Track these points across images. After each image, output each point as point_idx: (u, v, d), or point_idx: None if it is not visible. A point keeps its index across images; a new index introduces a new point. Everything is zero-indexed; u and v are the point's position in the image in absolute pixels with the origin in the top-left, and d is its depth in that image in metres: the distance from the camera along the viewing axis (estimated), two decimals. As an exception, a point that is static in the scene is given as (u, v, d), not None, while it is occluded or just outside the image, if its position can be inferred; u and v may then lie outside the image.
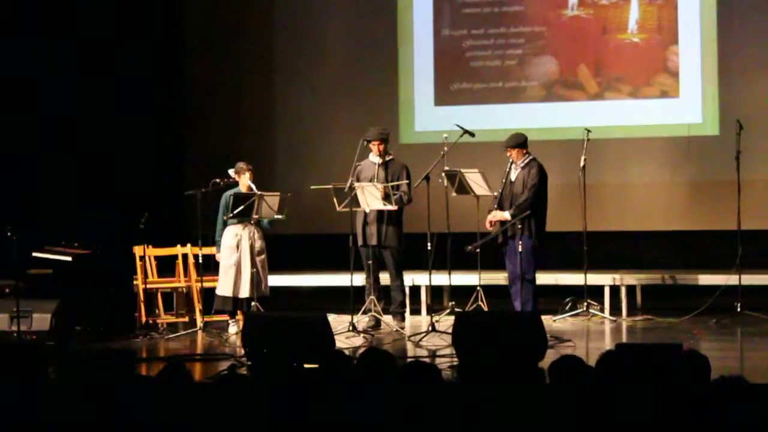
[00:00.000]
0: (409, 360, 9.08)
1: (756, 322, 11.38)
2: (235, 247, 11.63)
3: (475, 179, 11.71)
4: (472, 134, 11.75)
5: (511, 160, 11.40)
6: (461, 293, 12.21)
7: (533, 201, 11.18)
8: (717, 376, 5.16)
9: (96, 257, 11.63)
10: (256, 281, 11.56)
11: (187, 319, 12.43)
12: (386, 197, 11.25)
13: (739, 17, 13.53)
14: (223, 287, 11.65)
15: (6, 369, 6.04)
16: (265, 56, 15.05)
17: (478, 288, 11.71)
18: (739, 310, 11.59)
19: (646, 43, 13.83)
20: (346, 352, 9.50)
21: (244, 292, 11.56)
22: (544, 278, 12.04)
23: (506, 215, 11.24)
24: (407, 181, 11.60)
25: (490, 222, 11.40)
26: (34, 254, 11.54)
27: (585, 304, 11.98)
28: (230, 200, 11.44)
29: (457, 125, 11.73)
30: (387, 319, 11.63)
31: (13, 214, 11.60)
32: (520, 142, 11.40)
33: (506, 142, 11.45)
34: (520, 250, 10.99)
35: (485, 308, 11.55)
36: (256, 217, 11.48)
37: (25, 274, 11.38)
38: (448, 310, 12.00)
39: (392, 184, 11.42)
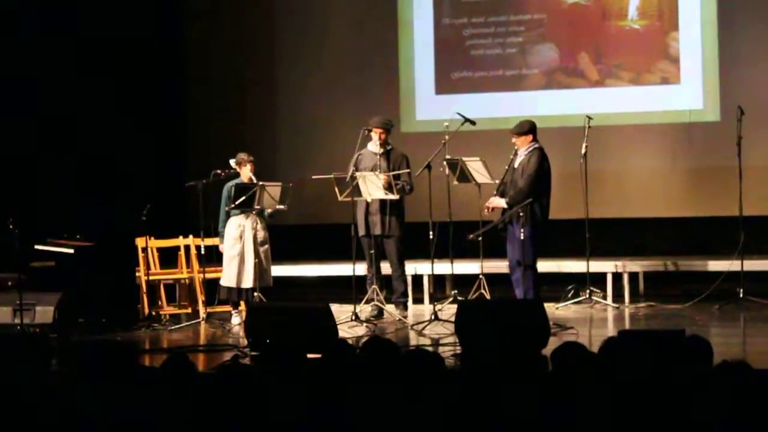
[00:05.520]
0: (411, 348, 9.08)
1: (758, 308, 11.38)
2: (239, 237, 11.64)
3: (476, 167, 11.71)
4: (473, 122, 11.75)
5: (516, 148, 11.34)
6: (463, 282, 12.22)
7: (530, 189, 11.05)
8: (720, 361, 5.16)
9: (98, 249, 11.63)
10: (259, 272, 11.57)
11: (189, 310, 12.43)
12: (388, 187, 11.25)
13: (739, 2, 13.51)
14: (227, 278, 11.66)
15: (9, 362, 6.05)
16: (266, 47, 15.05)
17: (481, 276, 11.72)
18: (741, 296, 11.58)
19: (646, 29, 13.82)
20: (349, 341, 9.50)
21: (248, 283, 11.57)
22: (546, 266, 12.03)
23: (502, 202, 11.19)
24: (409, 171, 11.60)
25: (488, 208, 11.35)
26: (37, 247, 11.54)
27: (587, 291, 11.99)
28: (232, 191, 11.45)
29: (458, 113, 11.73)
30: (390, 309, 11.64)
31: (16, 207, 11.59)
32: (524, 130, 11.28)
33: (512, 129, 11.38)
34: (521, 237, 10.96)
35: (488, 296, 11.57)
36: (258, 207, 11.49)
37: (28, 266, 11.39)
38: (450, 299, 12.01)
39: (395, 173, 11.42)
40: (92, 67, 14.03)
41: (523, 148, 11.27)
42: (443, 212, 11.54)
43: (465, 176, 11.75)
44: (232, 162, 11.75)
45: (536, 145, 11.28)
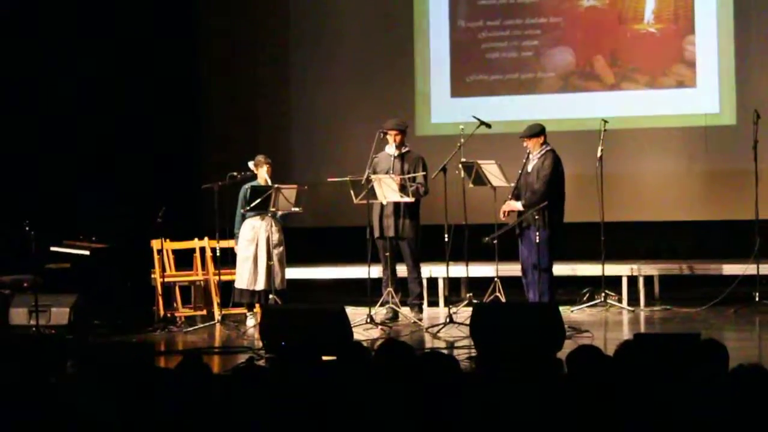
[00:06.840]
0: (426, 351, 9.08)
1: (774, 312, 11.36)
2: (253, 239, 11.65)
3: (491, 170, 11.70)
4: (488, 125, 11.73)
5: (528, 151, 11.34)
6: (479, 284, 12.21)
7: (546, 192, 11.06)
8: (736, 365, 5.15)
9: (114, 251, 11.66)
10: (272, 274, 11.57)
11: (204, 312, 12.44)
12: (403, 189, 11.25)
13: (756, 6, 13.48)
14: (241, 280, 11.67)
15: (25, 363, 6.06)
16: (281, 49, 15.06)
17: (496, 279, 11.70)
18: (757, 299, 11.55)
19: (662, 33, 13.79)
20: (364, 344, 9.49)
21: (260, 284, 11.58)
22: (561, 269, 12.02)
23: (518, 206, 11.19)
24: (424, 173, 11.60)
25: (504, 212, 11.35)
26: (52, 248, 11.57)
27: (603, 294, 11.96)
28: (248, 193, 11.47)
29: (474, 117, 11.71)
30: (405, 311, 11.64)
31: (32, 209, 11.62)
32: (535, 132, 11.30)
33: (522, 132, 11.40)
34: (536, 240, 10.94)
35: (503, 299, 11.54)
36: (274, 209, 11.50)
37: (44, 268, 11.42)
38: (465, 302, 12.01)
39: (409, 176, 11.42)
40: (105, 67, 14.03)
41: (535, 151, 11.25)
42: (458, 215, 11.52)
43: (480, 179, 11.74)
44: (250, 163, 11.79)
45: (548, 148, 11.27)
